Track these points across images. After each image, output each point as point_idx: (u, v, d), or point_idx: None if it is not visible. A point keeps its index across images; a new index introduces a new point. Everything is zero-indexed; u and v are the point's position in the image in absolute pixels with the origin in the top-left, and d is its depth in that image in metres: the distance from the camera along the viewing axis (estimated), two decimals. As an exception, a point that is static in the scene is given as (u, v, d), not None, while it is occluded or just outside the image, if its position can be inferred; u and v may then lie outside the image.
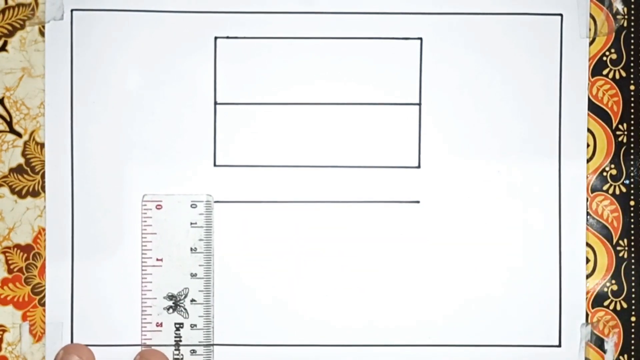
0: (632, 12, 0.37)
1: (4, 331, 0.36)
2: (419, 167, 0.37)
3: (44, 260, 0.36)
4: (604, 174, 0.37)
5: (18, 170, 0.36)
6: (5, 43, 0.36)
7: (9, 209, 0.36)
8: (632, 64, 0.37)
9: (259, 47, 0.36)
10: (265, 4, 0.36)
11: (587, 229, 0.37)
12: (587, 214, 0.37)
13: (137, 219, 0.36)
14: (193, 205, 0.36)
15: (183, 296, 0.36)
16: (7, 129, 0.36)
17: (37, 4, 0.36)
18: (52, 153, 0.36)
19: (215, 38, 0.36)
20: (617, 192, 0.37)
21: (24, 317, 0.36)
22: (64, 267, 0.36)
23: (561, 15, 0.36)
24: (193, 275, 0.36)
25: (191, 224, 0.36)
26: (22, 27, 0.36)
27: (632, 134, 0.37)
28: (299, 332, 0.36)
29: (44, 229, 0.36)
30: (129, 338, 0.36)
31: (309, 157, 0.36)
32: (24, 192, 0.36)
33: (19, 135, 0.36)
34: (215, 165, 0.36)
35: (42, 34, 0.36)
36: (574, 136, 0.37)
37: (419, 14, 0.36)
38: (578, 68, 0.36)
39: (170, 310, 0.36)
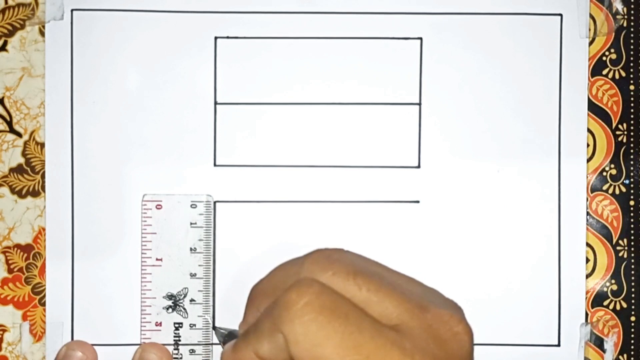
0: (632, 12, 0.37)
1: (4, 331, 0.36)
2: (419, 167, 0.37)
3: (44, 260, 0.36)
4: (604, 173, 0.37)
5: (18, 170, 0.36)
6: (5, 43, 0.36)
7: (9, 208, 0.36)
8: (631, 64, 0.37)
9: (259, 47, 0.36)
10: (265, 4, 0.36)
11: (587, 228, 0.37)
12: (587, 213, 0.37)
13: (137, 219, 0.36)
14: (193, 205, 0.36)
15: (182, 296, 0.36)
16: (7, 129, 0.36)
17: (37, 4, 0.36)
18: (52, 153, 0.36)
19: (215, 38, 0.36)
20: (617, 192, 0.37)
21: (24, 317, 0.36)
22: (64, 267, 0.36)
23: (561, 15, 0.36)
24: (192, 275, 0.36)
25: (191, 224, 0.36)
26: (22, 27, 0.36)
27: (632, 134, 0.37)
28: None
29: (44, 229, 0.36)
30: (128, 338, 0.36)
31: (309, 157, 0.36)
32: (24, 192, 0.36)
33: (19, 135, 0.36)
34: (215, 165, 0.36)
35: (42, 34, 0.36)
36: (574, 136, 0.37)
37: (419, 14, 0.36)
38: (578, 68, 0.36)
39: (170, 309, 0.36)
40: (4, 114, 0.36)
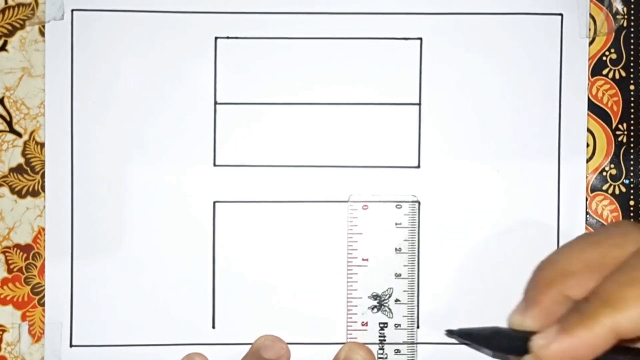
0: (632, 12, 0.37)
1: (4, 331, 0.36)
2: (418, 167, 0.37)
3: (44, 260, 0.36)
4: (604, 173, 0.37)
5: (18, 170, 0.36)
6: (5, 43, 0.36)
7: (9, 208, 0.36)
8: (632, 64, 0.37)
9: (259, 47, 0.36)
10: (265, 4, 0.36)
11: (586, 228, 0.37)
12: (587, 213, 0.37)
13: (137, 219, 0.36)
14: (398, 206, 0.36)
15: (387, 296, 0.36)
16: (7, 129, 0.36)
17: (37, 4, 0.36)
18: (52, 153, 0.36)
19: (215, 38, 0.36)
20: (617, 192, 0.37)
21: (24, 317, 0.36)
22: (64, 267, 0.36)
23: (561, 15, 0.36)
24: (397, 276, 0.36)
25: (396, 224, 0.36)
26: (22, 27, 0.36)
27: (632, 133, 0.37)
28: (295, 330, 0.36)
29: (43, 229, 0.36)
30: (128, 338, 0.36)
31: (309, 157, 0.36)
32: (23, 192, 0.36)
33: (19, 135, 0.36)
34: (215, 165, 0.36)
35: (42, 34, 0.36)
36: (573, 136, 0.37)
37: (419, 14, 0.36)
38: (578, 68, 0.37)
39: (375, 309, 0.36)
40: (4, 114, 0.36)
